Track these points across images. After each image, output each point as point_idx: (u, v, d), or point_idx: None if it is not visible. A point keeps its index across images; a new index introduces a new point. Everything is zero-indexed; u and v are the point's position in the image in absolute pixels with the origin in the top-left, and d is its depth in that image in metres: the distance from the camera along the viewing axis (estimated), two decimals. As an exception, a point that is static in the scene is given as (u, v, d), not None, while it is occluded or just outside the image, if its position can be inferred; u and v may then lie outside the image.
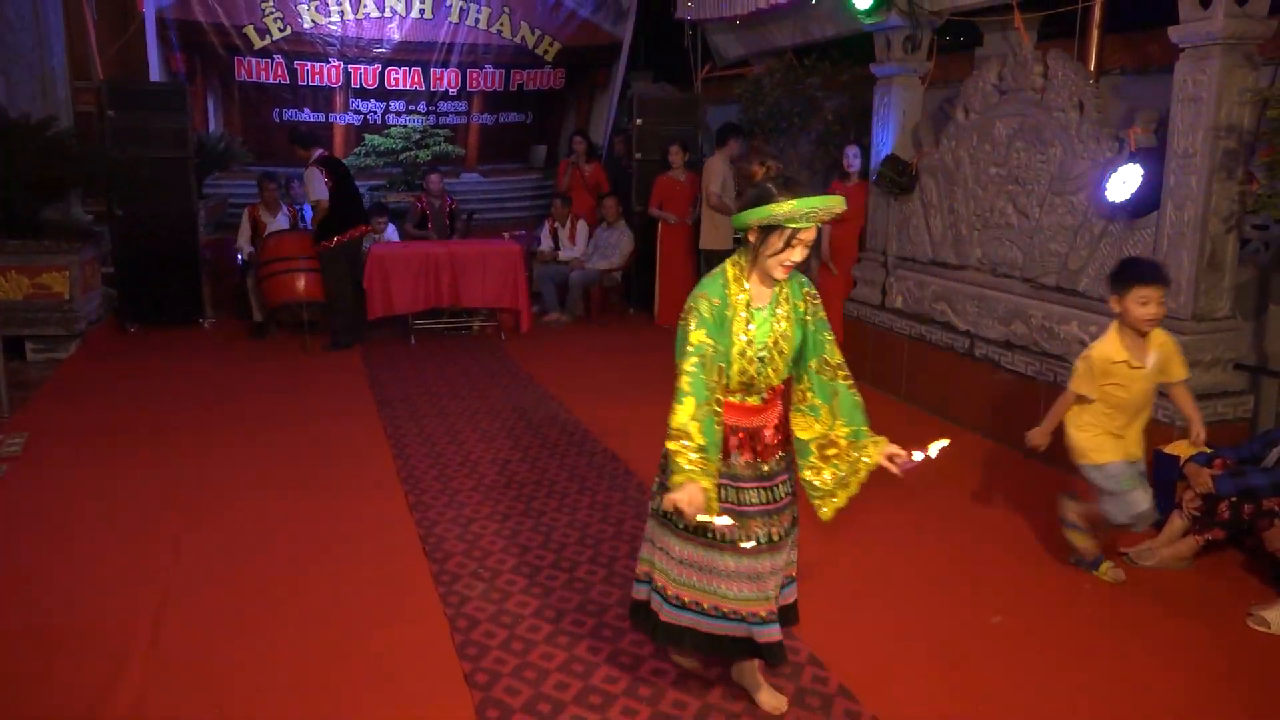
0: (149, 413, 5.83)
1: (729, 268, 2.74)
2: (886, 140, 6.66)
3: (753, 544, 2.74)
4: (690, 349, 2.60)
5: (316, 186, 7.31)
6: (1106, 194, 4.73)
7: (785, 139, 8.44)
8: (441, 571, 3.78)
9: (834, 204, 2.63)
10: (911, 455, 2.73)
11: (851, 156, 6.97)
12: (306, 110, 9.70)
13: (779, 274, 2.67)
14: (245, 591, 3.63)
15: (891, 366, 6.48)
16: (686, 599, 2.80)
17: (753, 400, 2.75)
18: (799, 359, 2.81)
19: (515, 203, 10.93)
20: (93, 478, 4.76)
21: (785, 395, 2.87)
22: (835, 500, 2.85)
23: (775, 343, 2.71)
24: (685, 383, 2.57)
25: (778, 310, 2.72)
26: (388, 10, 9.58)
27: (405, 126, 10.08)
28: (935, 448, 2.72)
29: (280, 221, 8.17)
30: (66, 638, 3.28)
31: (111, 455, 5.08)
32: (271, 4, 9.18)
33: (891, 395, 6.44)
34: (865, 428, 2.81)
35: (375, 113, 9.94)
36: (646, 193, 8.59)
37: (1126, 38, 5.63)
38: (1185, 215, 4.45)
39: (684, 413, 2.55)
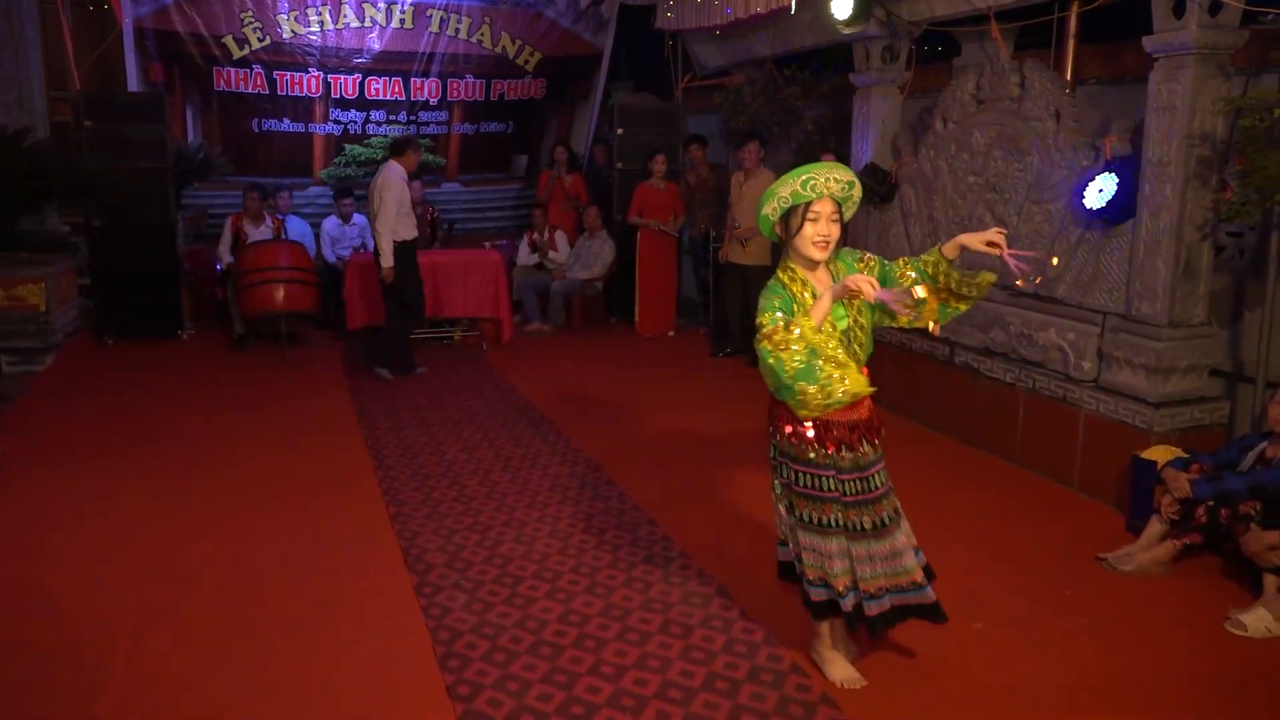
0: (127, 426, 5.78)
1: (780, 274, 2.88)
2: (866, 149, 6.70)
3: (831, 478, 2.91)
4: (771, 316, 2.74)
5: None
6: (1083, 202, 4.78)
7: (766, 148, 8.48)
8: (423, 583, 3.76)
9: (824, 167, 2.76)
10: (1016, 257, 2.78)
11: None
12: (286, 120, 9.66)
13: (816, 253, 2.80)
14: (225, 604, 3.60)
15: (872, 373, 6.48)
16: (832, 584, 2.96)
17: None
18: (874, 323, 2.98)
19: (496, 212, 10.91)
20: (71, 491, 4.71)
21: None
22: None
23: (854, 319, 2.85)
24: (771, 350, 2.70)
25: None
26: (368, 20, 9.56)
27: (386, 136, 10.05)
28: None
29: (263, 232, 8.13)
30: (46, 650, 3.25)
31: (90, 469, 5.03)
32: (251, 14, 9.14)
33: (872, 402, 6.45)
34: (935, 258, 2.95)
35: (355, 123, 9.91)
36: (627, 202, 8.61)
37: (1102, 48, 5.67)
38: (1161, 223, 4.50)
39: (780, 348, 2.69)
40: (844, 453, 2.91)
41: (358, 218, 8.98)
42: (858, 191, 2.87)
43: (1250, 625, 3.45)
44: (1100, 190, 4.67)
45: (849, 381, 2.70)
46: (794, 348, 2.67)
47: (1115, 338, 4.75)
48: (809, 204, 2.77)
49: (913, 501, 4.67)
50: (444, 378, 7.08)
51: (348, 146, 9.95)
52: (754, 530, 4.31)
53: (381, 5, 9.53)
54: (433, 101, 10.12)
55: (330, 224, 8.97)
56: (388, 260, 6.72)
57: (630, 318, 8.70)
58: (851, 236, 6.87)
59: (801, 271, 2.86)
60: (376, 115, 9.94)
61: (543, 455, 5.32)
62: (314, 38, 9.42)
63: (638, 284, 8.56)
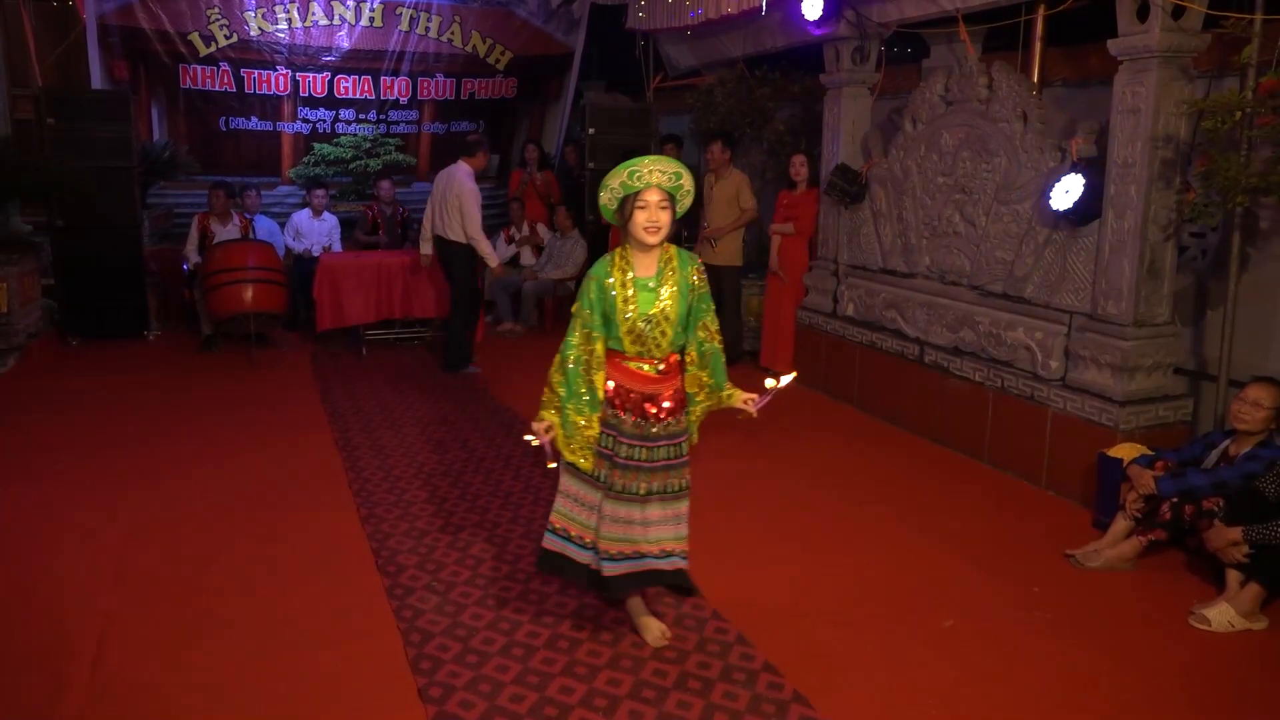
0: (92, 428, 5.69)
1: (616, 252, 3.18)
2: (837, 150, 6.74)
3: (555, 466, 3.23)
4: (572, 322, 3.14)
5: None
6: (1050, 203, 4.83)
7: (737, 148, 8.50)
8: (395, 585, 3.74)
9: (650, 160, 3.06)
10: (764, 386, 3.08)
11: (797, 165, 7.04)
12: (254, 119, 9.57)
13: (647, 238, 3.07)
14: (192, 610, 3.55)
15: (844, 374, 6.55)
16: (573, 532, 3.27)
17: (648, 369, 3.15)
18: (686, 326, 3.20)
19: (468, 212, 10.85)
20: (33, 495, 4.63)
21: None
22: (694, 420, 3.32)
23: (662, 309, 3.10)
24: (562, 345, 3.13)
25: (665, 280, 3.12)
26: (336, 18, 9.49)
27: (355, 135, 9.97)
28: (785, 379, 3.10)
29: (231, 231, 8.04)
30: (5, 658, 3.19)
31: (53, 472, 4.95)
32: (217, 11, 9.03)
33: (844, 402, 6.51)
34: (725, 382, 3.24)
35: (324, 121, 9.82)
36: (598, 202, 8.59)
37: (1068, 50, 5.74)
38: (1125, 224, 4.56)
39: (553, 369, 3.12)
40: (627, 416, 3.15)
41: (328, 215, 8.90)
42: (687, 182, 3.10)
43: (1214, 620, 3.51)
44: (1066, 191, 4.73)
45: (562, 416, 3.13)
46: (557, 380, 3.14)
47: (1082, 337, 4.81)
48: (638, 193, 3.04)
49: (882, 499, 4.73)
50: (416, 379, 7.04)
51: (317, 145, 9.86)
52: (727, 530, 4.33)
53: (350, 3, 9.45)
54: (403, 100, 10.06)
55: (300, 217, 8.87)
56: (494, 260, 7.11)
57: (602, 318, 8.68)
58: (824, 235, 6.91)
59: (632, 255, 3.14)
60: (346, 114, 9.87)
61: (515, 456, 5.31)
62: (282, 35, 9.33)
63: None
